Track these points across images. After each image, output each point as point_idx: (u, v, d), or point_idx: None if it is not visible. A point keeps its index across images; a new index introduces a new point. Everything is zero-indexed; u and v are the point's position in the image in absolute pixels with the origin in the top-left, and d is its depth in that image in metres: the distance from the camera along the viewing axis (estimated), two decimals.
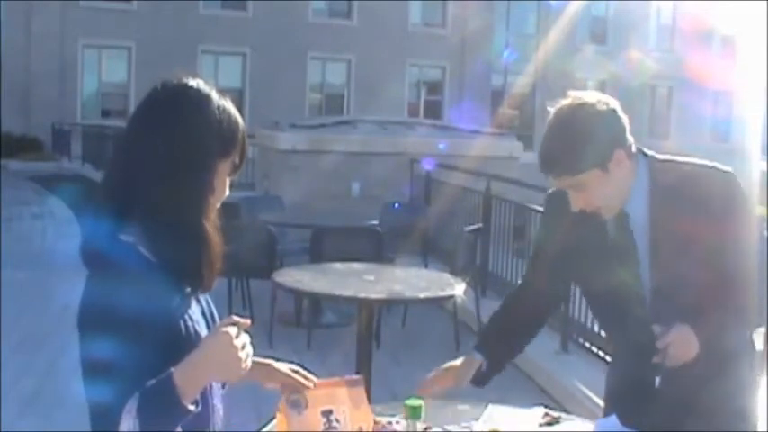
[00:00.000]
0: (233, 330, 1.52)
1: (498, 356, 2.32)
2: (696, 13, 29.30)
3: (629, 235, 2.09)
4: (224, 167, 1.66)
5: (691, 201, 2.04)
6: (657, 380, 2.12)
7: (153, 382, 1.47)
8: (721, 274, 2.04)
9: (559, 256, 2.24)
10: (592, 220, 2.11)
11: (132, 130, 1.65)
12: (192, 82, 1.67)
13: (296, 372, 1.92)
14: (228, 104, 1.68)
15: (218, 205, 1.70)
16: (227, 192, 1.70)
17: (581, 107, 2.03)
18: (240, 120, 1.69)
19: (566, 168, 2.00)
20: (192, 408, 1.49)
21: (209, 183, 1.63)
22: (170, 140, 1.60)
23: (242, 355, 1.52)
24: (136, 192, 1.60)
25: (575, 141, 1.98)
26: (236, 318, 1.56)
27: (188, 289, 1.65)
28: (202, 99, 1.64)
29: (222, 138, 1.64)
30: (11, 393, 4.88)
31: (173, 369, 1.48)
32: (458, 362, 2.29)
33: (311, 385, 1.90)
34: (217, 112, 1.64)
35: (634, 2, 30.58)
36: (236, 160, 1.68)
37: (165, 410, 1.48)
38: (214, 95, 1.66)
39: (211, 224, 1.65)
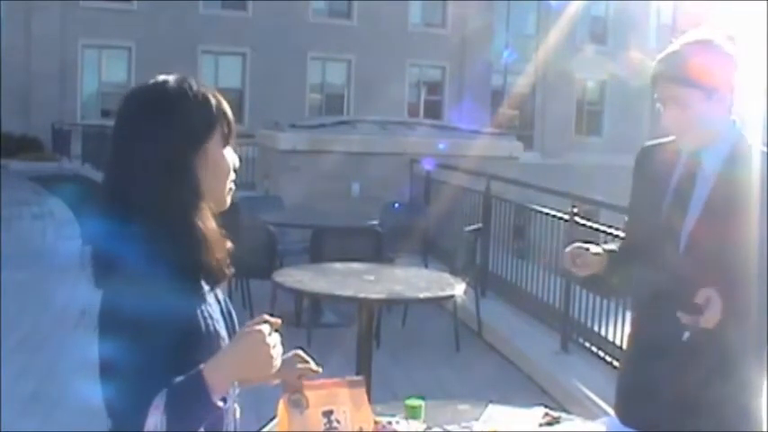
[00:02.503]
0: (265, 328, 1.53)
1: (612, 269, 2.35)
2: (696, 13, 29.31)
3: (693, 182, 2.20)
4: (214, 144, 1.66)
5: (757, 188, 2.12)
6: (686, 335, 2.12)
7: (182, 378, 1.47)
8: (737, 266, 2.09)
9: (642, 206, 2.36)
10: (668, 166, 2.25)
11: (113, 137, 1.68)
12: (149, 84, 1.67)
13: (299, 357, 1.93)
14: (192, 87, 1.66)
15: (232, 178, 1.70)
16: (233, 158, 1.71)
17: (716, 41, 2.18)
18: (208, 93, 1.67)
19: (681, 75, 2.13)
20: (220, 404, 1.49)
21: (193, 175, 1.62)
22: (145, 143, 1.62)
23: (273, 353, 1.53)
24: (130, 194, 1.62)
25: (700, 57, 2.14)
26: (267, 317, 1.57)
27: (206, 287, 1.66)
28: (160, 99, 1.65)
29: (194, 125, 1.64)
30: (11, 393, 4.87)
31: (202, 366, 1.48)
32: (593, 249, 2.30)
33: (318, 370, 1.90)
34: (180, 104, 1.64)
35: (634, 2, 30.57)
36: (225, 129, 1.68)
37: (194, 406, 1.48)
38: (170, 87, 1.65)
39: (207, 214, 1.64)
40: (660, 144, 2.35)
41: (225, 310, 1.74)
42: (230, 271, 1.70)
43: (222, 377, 1.49)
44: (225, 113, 1.69)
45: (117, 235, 1.59)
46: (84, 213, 10.68)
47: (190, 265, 1.61)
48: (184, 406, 1.47)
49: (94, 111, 26.39)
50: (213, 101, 1.67)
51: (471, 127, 12.98)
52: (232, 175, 1.71)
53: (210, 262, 1.64)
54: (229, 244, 1.71)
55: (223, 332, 1.66)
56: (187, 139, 1.63)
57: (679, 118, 2.17)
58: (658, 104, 2.22)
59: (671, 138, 2.30)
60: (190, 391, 1.47)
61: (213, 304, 1.69)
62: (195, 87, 1.66)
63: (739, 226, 2.11)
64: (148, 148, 1.61)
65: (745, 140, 2.22)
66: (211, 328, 1.62)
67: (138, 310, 1.51)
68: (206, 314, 1.63)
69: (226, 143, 1.69)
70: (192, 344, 1.56)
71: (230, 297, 6.26)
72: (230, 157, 1.70)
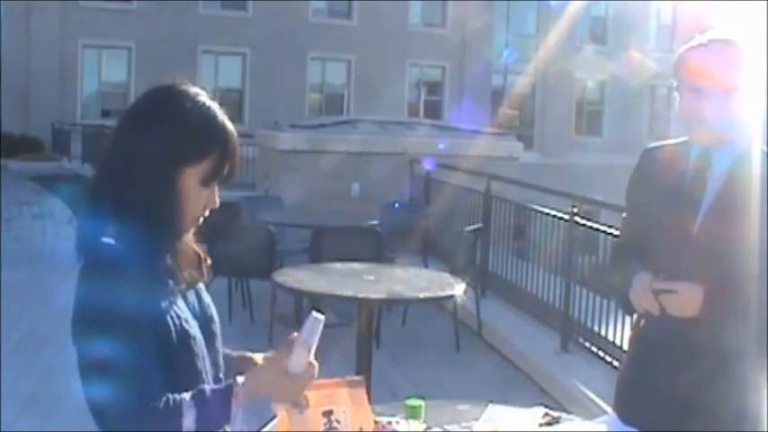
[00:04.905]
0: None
1: None
2: (696, 13, 29.31)
3: (704, 183, 2.22)
4: (191, 174, 1.65)
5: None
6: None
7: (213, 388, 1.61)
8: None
9: (644, 206, 2.35)
10: (676, 167, 2.26)
11: (113, 133, 1.71)
12: (161, 88, 1.69)
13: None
14: (202, 110, 1.66)
15: (201, 215, 1.70)
16: (213, 199, 1.70)
17: (740, 42, 2.20)
18: (216, 126, 1.67)
19: (703, 69, 2.17)
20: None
21: (168, 187, 1.63)
22: (129, 146, 1.65)
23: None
24: (109, 193, 1.65)
25: (723, 55, 2.17)
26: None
27: (171, 285, 1.67)
28: (162, 106, 1.67)
29: (179, 145, 1.64)
30: (11, 393, 4.88)
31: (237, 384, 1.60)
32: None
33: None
34: (181, 117, 1.64)
35: (634, 2, 30.56)
36: (219, 169, 1.66)
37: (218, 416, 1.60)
38: (182, 100, 1.65)
39: (185, 231, 1.69)
40: (665, 145, 2.36)
41: (197, 309, 1.75)
42: (200, 276, 1.75)
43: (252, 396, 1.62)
44: (230, 155, 1.67)
45: (95, 228, 1.61)
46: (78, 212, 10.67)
47: (157, 265, 1.63)
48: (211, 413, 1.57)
49: (94, 111, 26.39)
50: (221, 136, 1.66)
51: (471, 127, 12.97)
52: (203, 212, 1.70)
53: (177, 266, 1.67)
54: (200, 252, 1.76)
55: (193, 331, 1.68)
56: (170, 152, 1.63)
57: (694, 109, 2.19)
58: (676, 94, 2.24)
59: (677, 140, 2.31)
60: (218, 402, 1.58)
61: (180, 303, 1.69)
62: (212, 114, 1.66)
63: (744, 226, 2.12)
64: (134, 145, 1.64)
65: (754, 142, 2.22)
66: (178, 326, 1.64)
67: (104, 307, 1.53)
68: (172, 312, 1.64)
69: (214, 181, 1.68)
70: (159, 342, 1.58)
71: (230, 297, 6.27)
72: (208, 196, 1.69)
